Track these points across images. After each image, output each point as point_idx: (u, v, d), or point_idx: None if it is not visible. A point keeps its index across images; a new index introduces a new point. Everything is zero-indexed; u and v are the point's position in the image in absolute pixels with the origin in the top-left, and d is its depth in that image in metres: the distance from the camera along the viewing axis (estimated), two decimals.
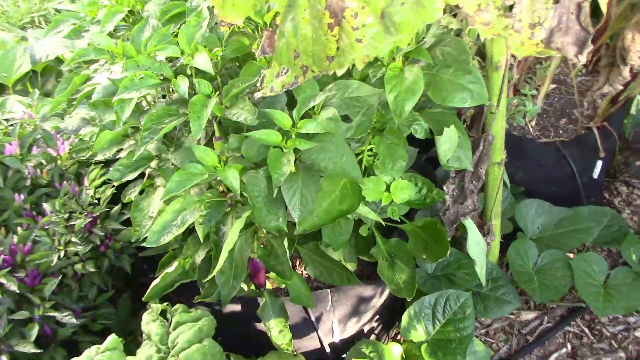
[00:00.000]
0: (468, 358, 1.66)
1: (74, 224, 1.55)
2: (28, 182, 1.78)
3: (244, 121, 1.13)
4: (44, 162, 1.78)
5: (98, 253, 1.66)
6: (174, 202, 1.20)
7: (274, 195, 1.10)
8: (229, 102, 1.19)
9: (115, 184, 1.62)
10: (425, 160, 1.96)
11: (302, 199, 1.18)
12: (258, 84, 1.02)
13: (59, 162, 1.86)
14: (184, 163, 1.23)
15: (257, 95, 1.03)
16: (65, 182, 1.76)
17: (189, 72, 1.24)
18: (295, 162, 1.17)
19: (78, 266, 1.54)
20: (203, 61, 1.15)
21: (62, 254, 1.49)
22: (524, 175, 2.09)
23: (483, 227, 1.71)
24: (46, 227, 1.58)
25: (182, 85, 1.16)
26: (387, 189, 1.45)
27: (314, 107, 1.20)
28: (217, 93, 1.21)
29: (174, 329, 1.36)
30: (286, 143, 1.14)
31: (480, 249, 1.53)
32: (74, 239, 1.52)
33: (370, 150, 1.42)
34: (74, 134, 1.56)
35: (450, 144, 1.26)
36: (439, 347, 1.64)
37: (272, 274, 1.51)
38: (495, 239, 1.75)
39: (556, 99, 2.23)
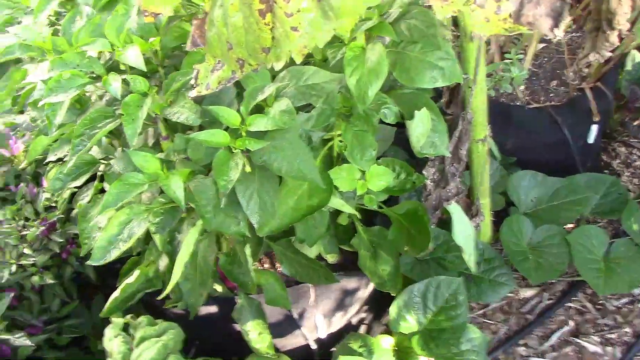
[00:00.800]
0: (464, 346, 1.56)
1: (28, 234, 1.43)
2: None
3: (185, 121, 1.00)
4: None
5: (60, 260, 1.55)
6: (118, 213, 1.08)
7: (222, 205, 0.98)
8: (171, 99, 1.06)
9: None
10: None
11: (261, 202, 1.06)
12: (192, 81, 0.89)
13: (15, 162, 1.74)
14: (127, 169, 1.11)
15: (192, 93, 0.90)
16: (22, 184, 1.64)
17: (124, 67, 1.11)
18: (250, 162, 1.05)
19: (35, 278, 1.43)
20: (134, 55, 1.02)
21: (13, 268, 1.38)
22: (515, 145, 1.96)
23: (471, 207, 1.59)
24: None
25: (114, 83, 1.03)
26: (363, 176, 1.33)
27: (266, 99, 1.07)
28: (158, 89, 1.08)
29: (138, 345, 1.25)
30: (235, 143, 1.01)
31: (467, 234, 1.41)
32: (27, 251, 1.40)
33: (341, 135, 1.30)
34: (31, 130, 1.44)
35: (422, 129, 1.13)
36: (432, 338, 1.54)
37: None
38: (485, 219, 1.63)
39: (546, 59, 2.09)
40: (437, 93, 1.46)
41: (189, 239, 1.08)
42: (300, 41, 0.74)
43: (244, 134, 1.02)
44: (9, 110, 1.75)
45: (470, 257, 1.44)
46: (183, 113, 1.02)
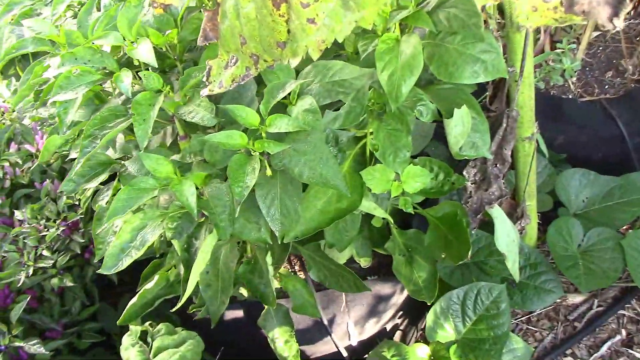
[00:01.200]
0: (505, 357, 1.47)
1: (47, 235, 1.38)
2: (7, 183, 1.61)
3: (200, 121, 0.92)
4: (19, 160, 1.61)
5: (82, 261, 1.49)
6: (132, 217, 1.01)
7: (237, 215, 0.89)
8: (189, 95, 0.98)
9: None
10: None
11: (282, 208, 0.97)
12: (204, 79, 0.81)
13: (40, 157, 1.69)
14: (141, 171, 1.03)
15: (204, 92, 0.82)
16: (47, 180, 1.59)
17: (137, 62, 1.03)
18: (271, 165, 0.96)
19: (54, 280, 1.37)
20: (145, 50, 0.94)
21: (30, 271, 1.32)
22: (566, 140, 1.83)
23: (516, 209, 1.48)
24: (19, 238, 1.42)
25: (125, 80, 0.95)
26: (398, 176, 1.24)
27: (289, 96, 0.98)
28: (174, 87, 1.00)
29: (155, 355, 1.19)
30: (254, 145, 0.92)
31: (510, 240, 1.31)
32: (45, 253, 1.35)
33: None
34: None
35: (462, 129, 1.03)
36: (470, 348, 1.44)
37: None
38: (531, 222, 1.51)
39: (600, 49, 1.94)
40: (479, 87, 1.36)
41: (205, 247, 1.00)
42: (317, 35, 0.65)
43: (263, 135, 0.94)
44: (33, 104, 1.71)
45: (513, 265, 1.33)
46: (198, 112, 0.93)
